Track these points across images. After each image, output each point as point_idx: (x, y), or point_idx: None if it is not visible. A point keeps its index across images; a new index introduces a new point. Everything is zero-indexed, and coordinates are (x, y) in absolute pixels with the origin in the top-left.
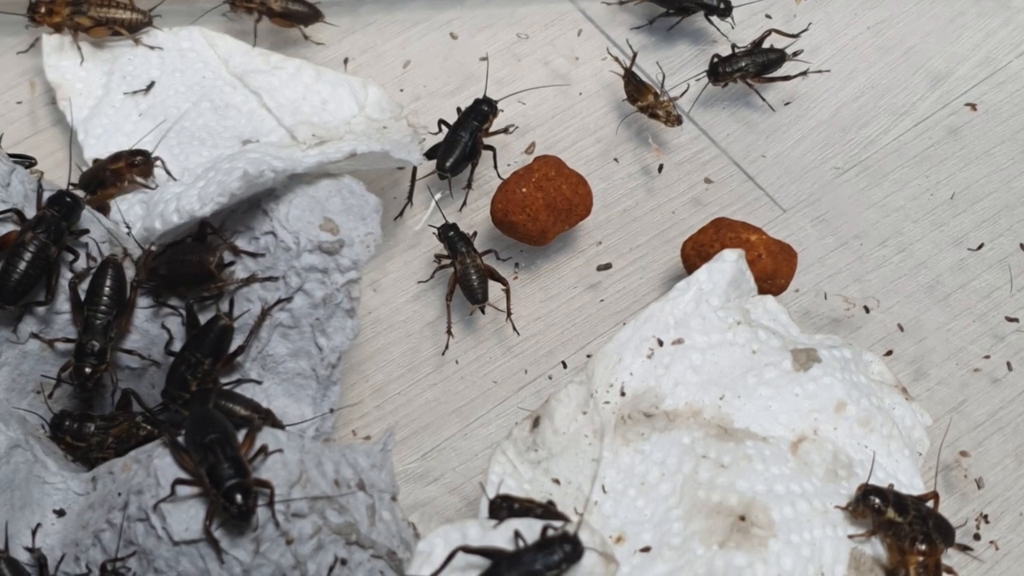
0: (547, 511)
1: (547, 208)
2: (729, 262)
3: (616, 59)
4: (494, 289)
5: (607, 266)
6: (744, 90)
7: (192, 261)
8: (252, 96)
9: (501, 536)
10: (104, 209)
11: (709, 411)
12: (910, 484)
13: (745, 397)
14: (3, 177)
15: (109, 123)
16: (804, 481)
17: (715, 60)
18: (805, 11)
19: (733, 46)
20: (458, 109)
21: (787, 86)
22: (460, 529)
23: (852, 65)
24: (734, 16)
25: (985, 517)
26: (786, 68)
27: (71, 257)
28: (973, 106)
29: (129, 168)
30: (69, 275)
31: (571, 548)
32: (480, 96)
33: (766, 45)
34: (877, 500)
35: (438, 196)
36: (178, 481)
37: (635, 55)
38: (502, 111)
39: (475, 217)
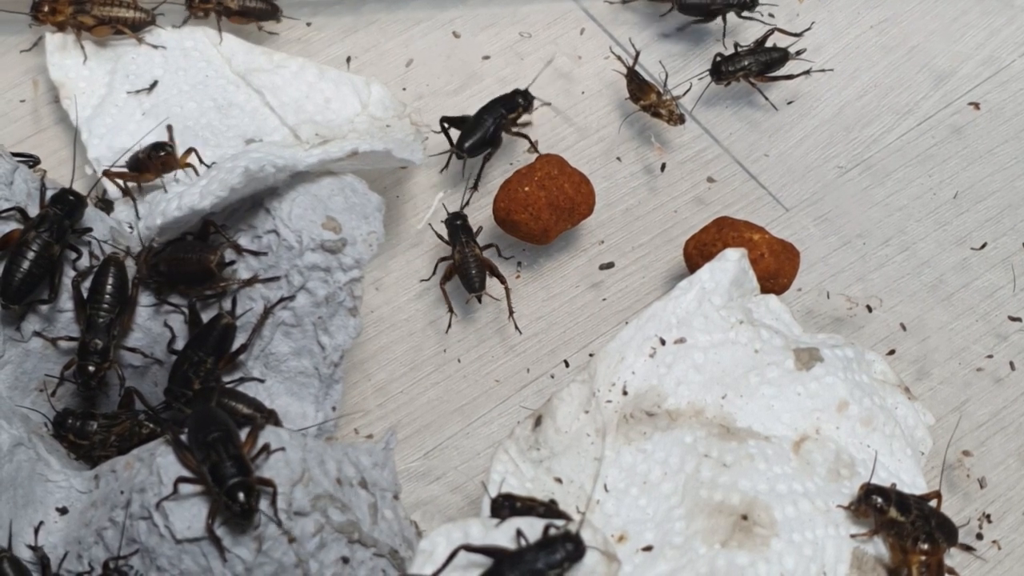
0: (549, 510)
1: (549, 207)
2: (732, 261)
3: (619, 58)
4: (497, 289)
5: (609, 265)
6: (747, 89)
7: (193, 260)
8: (255, 95)
9: (503, 535)
10: (107, 207)
11: (711, 410)
12: (912, 484)
13: (747, 396)
14: (6, 176)
15: (112, 122)
16: (806, 480)
17: (718, 59)
18: (808, 10)
19: (736, 45)
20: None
21: (790, 85)
22: (462, 528)
23: (855, 64)
24: (735, 15)
25: (988, 517)
26: (789, 67)
27: (74, 255)
28: (976, 105)
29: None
30: (72, 273)
31: (573, 547)
32: (521, 88)
33: (769, 44)
34: (879, 499)
35: (440, 195)
36: (181, 479)
37: (638, 54)
38: (537, 106)
39: (478, 216)
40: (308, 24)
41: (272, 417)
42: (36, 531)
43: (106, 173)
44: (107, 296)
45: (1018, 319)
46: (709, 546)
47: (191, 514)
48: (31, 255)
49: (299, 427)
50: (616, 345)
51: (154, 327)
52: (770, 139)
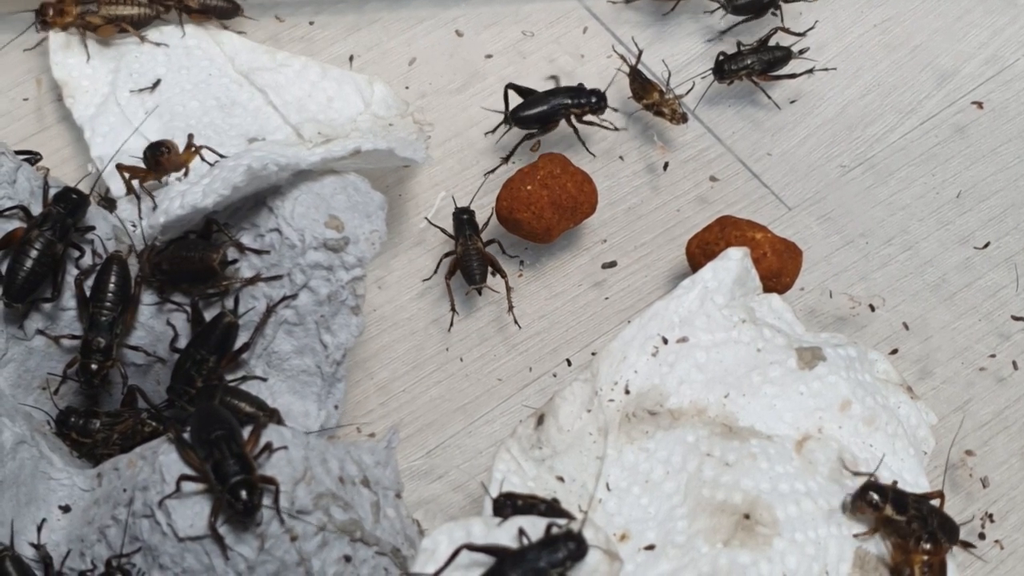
0: (551, 509)
1: (552, 206)
2: (734, 260)
3: (622, 57)
4: (500, 285)
5: (612, 264)
6: (750, 88)
7: (195, 258)
8: (258, 94)
9: (505, 534)
10: (110, 205)
11: (714, 409)
12: (915, 483)
13: (750, 395)
14: (9, 174)
15: (115, 121)
16: (809, 480)
17: (721, 58)
18: (811, 9)
19: (739, 44)
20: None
21: (793, 84)
22: (464, 526)
23: (858, 63)
24: (737, 14)
25: (990, 516)
26: (792, 66)
27: (77, 254)
28: (980, 104)
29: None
30: (75, 272)
31: (575, 546)
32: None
33: (772, 43)
34: (876, 497)
35: (442, 194)
36: (183, 477)
37: (640, 53)
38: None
39: (480, 215)
40: (311, 23)
41: (274, 416)
42: (39, 529)
43: (119, 166)
44: (110, 294)
45: (1021, 318)
46: (711, 545)
47: (193, 512)
48: (34, 253)
49: (301, 426)
50: (618, 344)
51: (157, 325)
52: (773, 138)
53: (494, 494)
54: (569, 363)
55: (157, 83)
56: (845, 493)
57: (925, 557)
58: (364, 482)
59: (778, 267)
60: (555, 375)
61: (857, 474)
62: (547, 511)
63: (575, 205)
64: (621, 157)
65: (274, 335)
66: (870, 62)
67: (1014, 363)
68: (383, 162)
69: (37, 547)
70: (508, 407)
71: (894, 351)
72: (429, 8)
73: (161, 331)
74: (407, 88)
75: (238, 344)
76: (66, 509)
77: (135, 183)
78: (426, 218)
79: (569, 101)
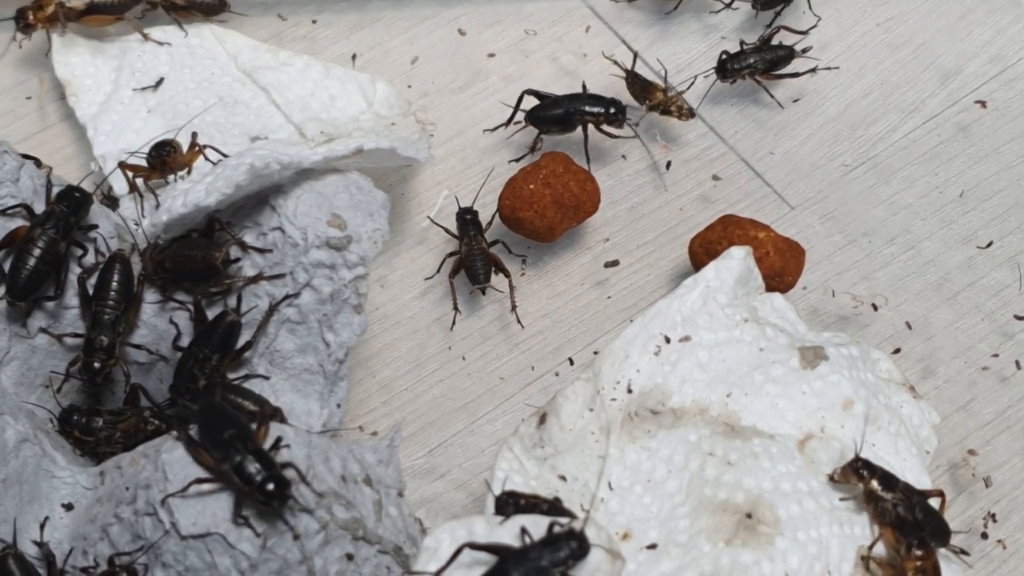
0: (553, 508)
1: (555, 205)
2: (737, 259)
3: (616, 62)
4: (504, 285)
5: (614, 263)
6: (752, 87)
7: (198, 257)
8: (261, 93)
9: (507, 532)
10: (112, 204)
11: (716, 408)
12: (917, 482)
13: (752, 395)
14: (12, 172)
15: (118, 119)
16: (811, 479)
17: (724, 57)
18: (814, 8)
19: (742, 43)
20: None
21: (796, 83)
22: (466, 525)
23: (861, 62)
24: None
25: (993, 516)
26: (795, 65)
27: (80, 252)
28: (983, 103)
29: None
30: (78, 270)
31: (577, 545)
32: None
33: (775, 42)
34: (864, 470)
35: (445, 193)
36: (198, 480)
37: (636, 55)
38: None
39: (482, 214)
40: (313, 21)
41: (277, 414)
42: (42, 527)
43: (122, 164)
44: (112, 293)
45: (1023, 318)
46: (713, 544)
47: (196, 510)
48: (37, 252)
49: (304, 424)
50: (621, 343)
51: (159, 324)
52: (776, 137)
53: (496, 493)
54: (571, 362)
55: (160, 82)
56: (848, 493)
57: (918, 563)
58: (366, 480)
59: (781, 266)
60: (557, 374)
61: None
62: (549, 510)
63: (577, 204)
64: (624, 156)
65: (276, 334)
66: (873, 61)
67: (1017, 363)
68: (385, 161)
69: (40, 545)
70: (510, 406)
71: (896, 350)
72: (431, 7)
73: (164, 329)
74: (409, 87)
75: (241, 343)
76: (69, 507)
77: (139, 182)
78: (428, 217)
79: (586, 108)
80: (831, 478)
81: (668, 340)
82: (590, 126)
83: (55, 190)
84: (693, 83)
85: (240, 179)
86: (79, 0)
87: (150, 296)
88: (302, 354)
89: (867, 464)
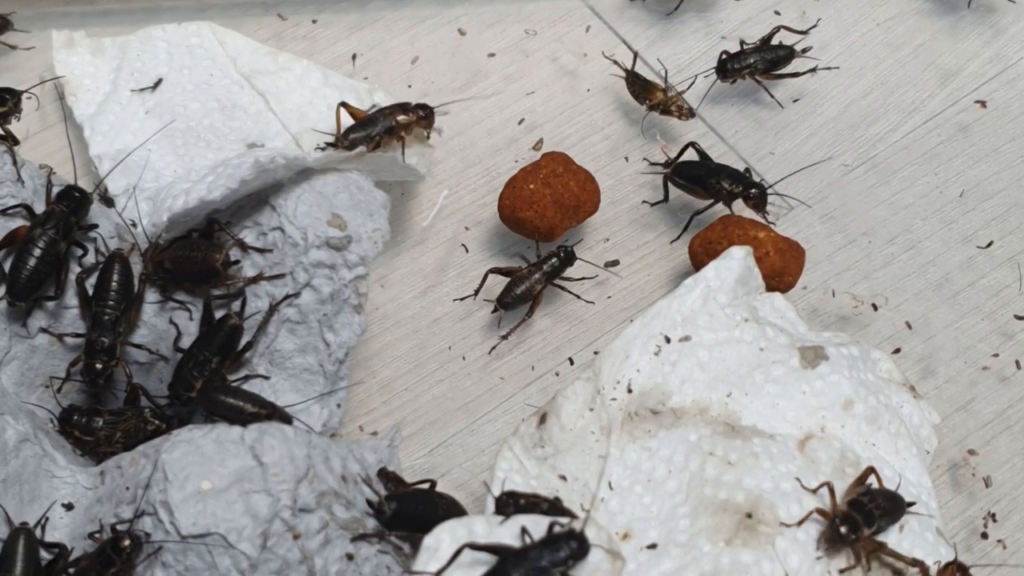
0: (553, 507)
1: (555, 205)
2: (737, 259)
3: (616, 62)
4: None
5: (615, 263)
6: (753, 87)
7: (198, 258)
8: (259, 97)
9: (507, 532)
10: (108, 203)
11: (716, 408)
12: (918, 482)
13: (752, 394)
14: (12, 172)
15: (115, 120)
16: (811, 479)
17: (724, 57)
18: (814, 8)
19: (742, 42)
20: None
21: (796, 83)
22: (467, 525)
23: (861, 62)
24: (743, 12)
25: (993, 516)
26: (795, 65)
27: (80, 252)
28: (983, 103)
29: (417, 120)
30: (78, 270)
31: (577, 545)
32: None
33: (775, 42)
34: (849, 530)
35: (445, 193)
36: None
37: (636, 55)
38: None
39: (483, 213)
40: (314, 21)
41: (278, 413)
42: (42, 527)
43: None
44: (112, 293)
45: None
46: (713, 544)
47: (196, 510)
48: (37, 252)
49: (304, 424)
50: (621, 343)
51: (159, 324)
52: (776, 137)
53: (496, 493)
54: (571, 362)
55: (159, 83)
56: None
57: None
58: (366, 480)
59: (781, 266)
60: (557, 374)
61: (821, 512)
62: (549, 510)
63: (578, 204)
64: (626, 158)
65: (276, 334)
66: (873, 61)
67: (1017, 362)
68: (384, 172)
69: (42, 544)
70: (510, 406)
71: (897, 350)
72: (432, 7)
73: (164, 329)
74: (409, 87)
75: (241, 343)
76: (69, 507)
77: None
78: (432, 210)
79: (727, 189)
80: (824, 546)
81: (668, 340)
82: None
83: (55, 190)
84: (693, 83)
85: (244, 174)
86: None
87: (150, 296)
88: (302, 354)
89: (846, 518)
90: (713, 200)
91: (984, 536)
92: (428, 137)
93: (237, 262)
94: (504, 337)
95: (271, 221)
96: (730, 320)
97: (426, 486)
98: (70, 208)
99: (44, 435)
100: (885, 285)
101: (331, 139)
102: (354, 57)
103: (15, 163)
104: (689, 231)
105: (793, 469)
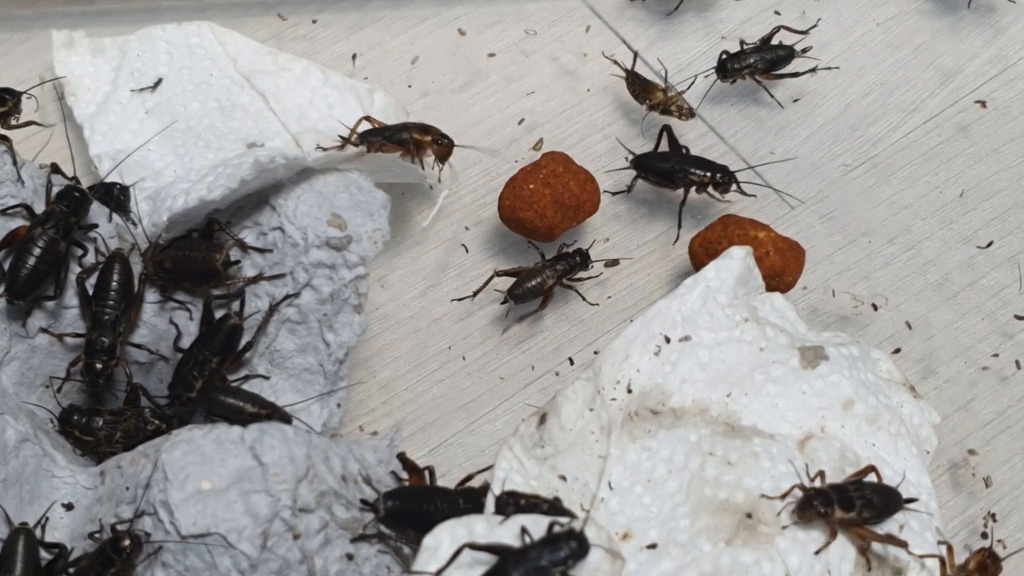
0: (553, 507)
1: (555, 204)
2: (737, 259)
3: (616, 62)
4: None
5: (614, 262)
6: (753, 87)
7: (198, 258)
8: (259, 97)
9: (507, 532)
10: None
11: (716, 408)
12: (918, 482)
13: (752, 394)
14: (12, 172)
15: (115, 120)
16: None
17: (724, 56)
18: (814, 8)
19: (742, 42)
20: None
21: (796, 83)
22: (466, 525)
23: (861, 62)
24: (743, 12)
25: (993, 516)
26: (795, 65)
27: (80, 252)
28: (983, 103)
29: (432, 144)
30: (78, 270)
31: (577, 544)
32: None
33: (775, 42)
34: (821, 506)
35: (445, 193)
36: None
37: (636, 55)
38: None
39: (483, 213)
40: (314, 21)
41: (278, 413)
42: (42, 527)
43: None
44: (112, 292)
45: None
46: (713, 544)
47: (196, 510)
48: (37, 251)
49: (304, 424)
50: (621, 343)
51: (159, 323)
52: (776, 137)
53: (496, 492)
54: (571, 362)
55: (159, 82)
56: (789, 503)
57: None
58: (366, 480)
59: (781, 266)
60: (557, 374)
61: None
62: (549, 510)
63: (578, 204)
64: (626, 158)
65: (276, 333)
66: (873, 61)
67: (1017, 362)
68: (384, 172)
69: (43, 544)
70: (510, 406)
71: (897, 350)
72: (432, 7)
73: (164, 329)
74: (409, 87)
75: (241, 343)
76: (69, 507)
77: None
78: (431, 205)
79: (697, 178)
80: (793, 517)
81: (668, 340)
82: (694, 188)
83: (55, 190)
84: (693, 83)
85: (245, 174)
86: None
87: (150, 296)
88: (302, 354)
89: (819, 493)
90: (684, 191)
91: (984, 536)
92: (439, 170)
93: (237, 262)
94: (519, 320)
95: (271, 221)
96: (730, 320)
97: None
98: (70, 208)
99: (44, 435)
100: (885, 285)
101: (330, 142)
102: (354, 57)
103: (15, 163)
104: (685, 228)
105: (793, 469)
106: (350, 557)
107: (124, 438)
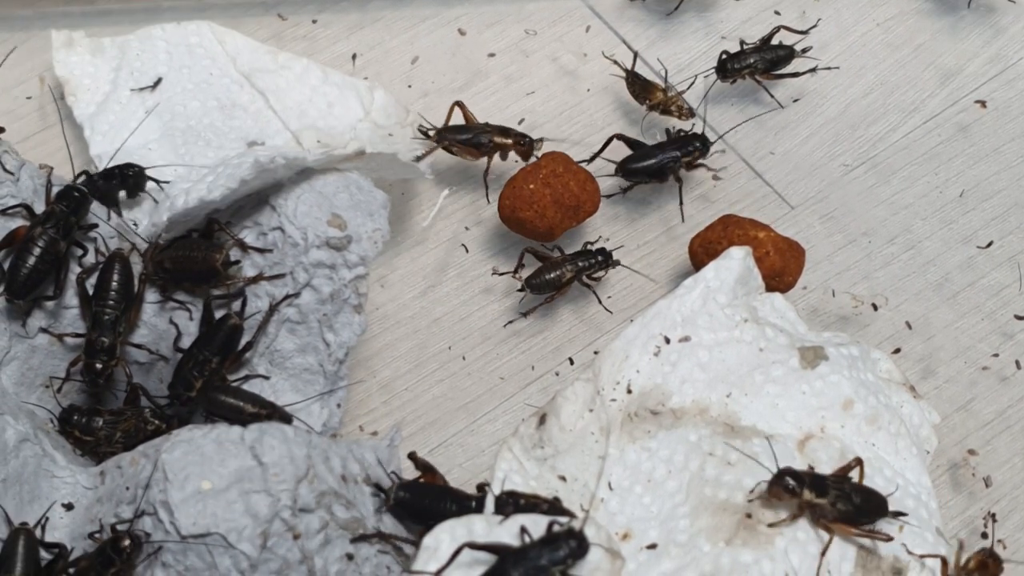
0: (553, 507)
1: (555, 204)
2: (736, 259)
3: (616, 62)
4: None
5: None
6: (753, 86)
7: (199, 258)
8: (259, 96)
9: (507, 532)
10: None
11: (716, 408)
12: (918, 482)
13: (752, 395)
14: (13, 172)
15: (115, 119)
16: None
17: (724, 56)
18: (815, 7)
19: (742, 42)
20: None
21: (796, 83)
22: (466, 525)
23: (861, 62)
24: (743, 12)
25: (993, 516)
26: (795, 65)
27: (80, 252)
28: (983, 103)
29: (514, 146)
30: (78, 270)
31: (577, 544)
32: (697, 133)
33: (775, 41)
34: (792, 482)
35: (445, 193)
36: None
37: (636, 55)
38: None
39: (483, 213)
40: (314, 21)
41: (278, 413)
42: (42, 527)
43: None
44: (112, 292)
45: None
46: (713, 544)
47: (196, 510)
48: (37, 251)
49: (304, 424)
50: (621, 343)
51: (159, 323)
52: (776, 137)
53: (496, 492)
54: (571, 362)
55: (158, 82)
56: (759, 482)
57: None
58: (366, 480)
59: (781, 266)
60: (557, 374)
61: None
62: (549, 510)
63: (578, 204)
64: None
65: (276, 333)
66: (873, 61)
67: (1017, 362)
68: (385, 170)
69: (45, 544)
70: (510, 406)
71: (897, 350)
72: (432, 7)
73: (164, 329)
74: (409, 87)
75: (241, 343)
76: (69, 507)
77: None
78: (433, 206)
79: (678, 154)
80: (764, 496)
81: (668, 340)
82: (683, 168)
83: (55, 190)
84: (693, 83)
85: (244, 174)
86: None
87: (150, 296)
88: (302, 354)
89: (793, 474)
90: (678, 180)
91: (984, 536)
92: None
93: (237, 262)
94: (524, 315)
95: (271, 221)
96: (730, 320)
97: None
98: (70, 208)
99: (44, 435)
100: (885, 285)
101: (331, 139)
102: (354, 57)
103: (13, 162)
104: (686, 228)
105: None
106: (350, 557)
107: (124, 438)
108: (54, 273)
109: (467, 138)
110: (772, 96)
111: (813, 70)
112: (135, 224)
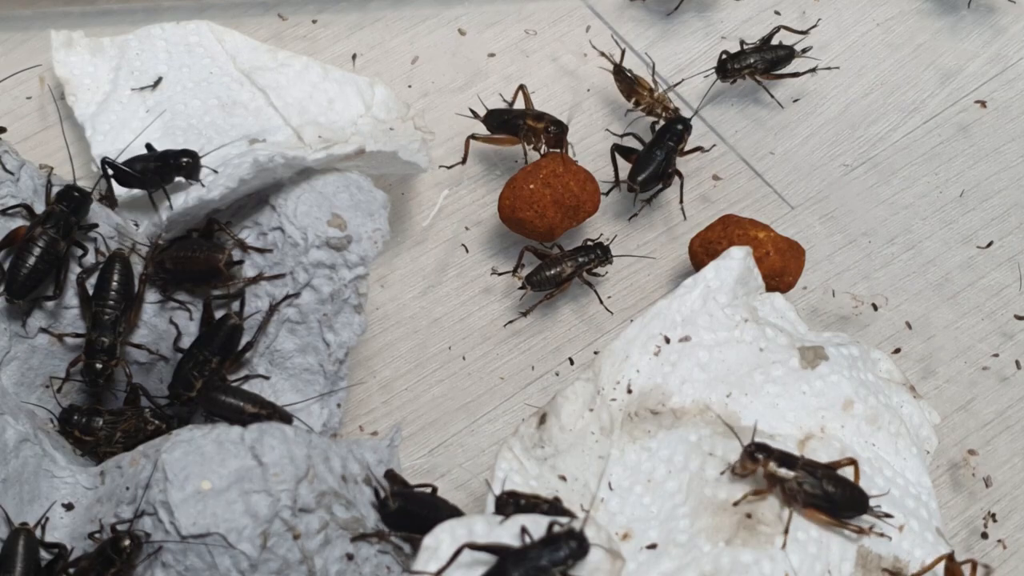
0: (553, 507)
1: (555, 204)
2: (737, 259)
3: (604, 54)
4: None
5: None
6: (753, 87)
7: (200, 258)
8: (259, 93)
9: (507, 532)
10: (111, 203)
11: (716, 408)
12: (918, 482)
13: (752, 395)
14: (13, 172)
15: (116, 119)
16: None
17: (724, 56)
18: (815, 8)
19: (742, 42)
20: (653, 126)
21: (796, 83)
22: (466, 525)
23: (861, 62)
24: (743, 12)
25: (993, 516)
26: (795, 65)
27: (80, 252)
28: (983, 103)
29: (544, 132)
30: (78, 270)
31: (577, 544)
32: (684, 117)
33: (775, 42)
34: (760, 453)
35: (445, 193)
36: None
37: (623, 52)
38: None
39: (483, 214)
40: (314, 21)
41: (278, 413)
42: (42, 527)
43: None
44: (112, 292)
45: None
46: (713, 544)
47: (196, 510)
48: (37, 251)
49: (304, 424)
50: (621, 343)
51: (160, 324)
52: (776, 137)
53: (496, 492)
54: (572, 362)
55: (159, 81)
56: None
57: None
58: (366, 480)
59: (781, 266)
60: (557, 374)
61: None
62: (549, 510)
63: (578, 204)
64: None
65: (277, 333)
66: (873, 61)
67: (1017, 362)
68: (385, 167)
69: (45, 544)
70: (510, 406)
71: (897, 350)
72: (432, 7)
73: (164, 329)
74: (409, 87)
75: (241, 344)
76: (69, 507)
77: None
78: (431, 207)
79: (673, 144)
80: (732, 471)
81: (668, 340)
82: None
83: (55, 190)
84: (681, 81)
85: (244, 173)
86: None
87: (150, 296)
88: (302, 354)
89: (761, 447)
90: (679, 175)
91: (984, 536)
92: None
93: (240, 262)
94: (524, 314)
95: (271, 221)
96: (730, 320)
97: (428, 491)
98: (70, 208)
99: (44, 435)
100: (885, 285)
101: (331, 134)
102: (354, 57)
103: (13, 162)
104: (686, 228)
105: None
106: (350, 557)
107: (124, 438)
108: (54, 273)
109: (506, 120)
110: (772, 96)
111: (813, 70)
112: (135, 224)
